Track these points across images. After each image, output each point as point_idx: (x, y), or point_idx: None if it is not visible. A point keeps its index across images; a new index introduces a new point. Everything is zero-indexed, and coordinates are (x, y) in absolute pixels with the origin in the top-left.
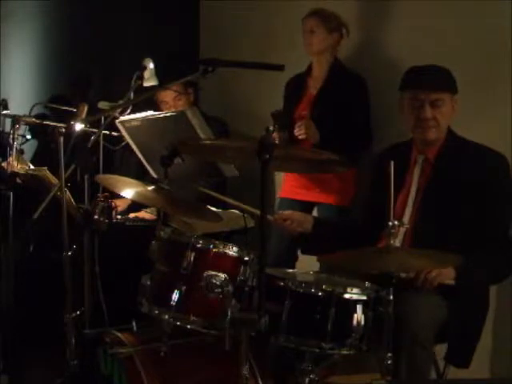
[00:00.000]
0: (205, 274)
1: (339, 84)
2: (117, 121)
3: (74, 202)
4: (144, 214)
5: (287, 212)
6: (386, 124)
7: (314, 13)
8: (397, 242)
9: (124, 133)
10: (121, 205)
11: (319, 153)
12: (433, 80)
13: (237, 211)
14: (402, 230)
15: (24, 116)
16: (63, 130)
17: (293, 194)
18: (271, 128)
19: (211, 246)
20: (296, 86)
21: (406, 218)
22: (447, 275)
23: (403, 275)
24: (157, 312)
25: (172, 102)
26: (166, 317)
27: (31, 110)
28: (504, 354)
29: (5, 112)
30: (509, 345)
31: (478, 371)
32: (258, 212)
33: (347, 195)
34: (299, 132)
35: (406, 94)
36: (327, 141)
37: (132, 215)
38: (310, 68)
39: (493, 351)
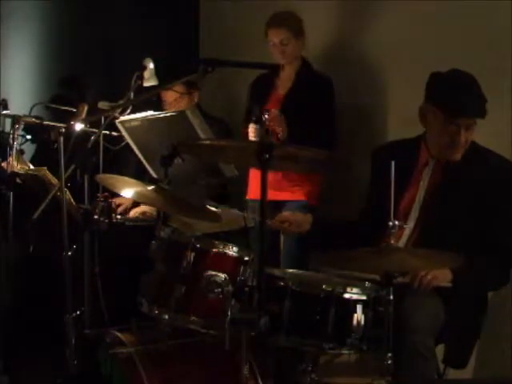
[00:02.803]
0: (205, 274)
1: (307, 84)
2: (117, 121)
3: (74, 202)
4: (144, 208)
5: (285, 214)
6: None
7: (281, 24)
8: (401, 243)
9: (124, 133)
10: (125, 202)
11: (320, 153)
12: (476, 107)
13: (237, 211)
14: (407, 231)
15: (24, 116)
16: (63, 130)
17: (259, 194)
18: (253, 125)
19: (211, 246)
20: (263, 86)
21: (412, 220)
22: (443, 278)
23: (399, 280)
24: (157, 312)
25: (174, 103)
26: (166, 317)
27: (31, 109)
28: (504, 354)
29: (5, 112)
30: (508, 344)
31: (477, 371)
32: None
33: (315, 193)
34: (268, 121)
35: (442, 114)
36: (296, 140)
37: (133, 211)
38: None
39: (492, 351)
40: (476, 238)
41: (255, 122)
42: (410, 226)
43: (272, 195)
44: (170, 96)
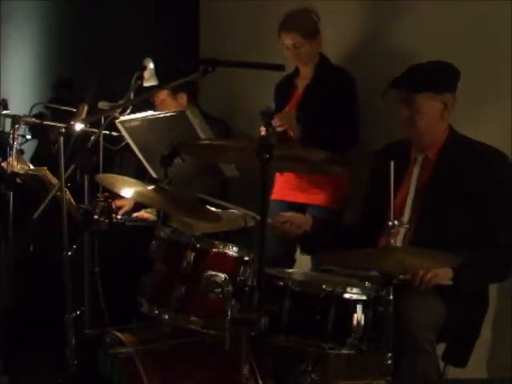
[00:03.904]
0: (205, 274)
1: (326, 81)
2: (117, 121)
3: (74, 202)
4: (144, 214)
5: (287, 214)
6: (381, 123)
7: (292, 27)
8: (398, 241)
9: (124, 133)
10: (126, 204)
11: (319, 152)
12: (404, 79)
13: (237, 211)
14: (403, 229)
15: (24, 116)
16: (63, 130)
17: (283, 195)
18: (263, 128)
19: (211, 246)
20: (285, 87)
21: (406, 217)
22: (444, 276)
23: (400, 277)
24: (157, 312)
25: (160, 105)
26: (166, 317)
27: (31, 109)
28: (504, 354)
29: (5, 112)
30: (509, 344)
31: (477, 371)
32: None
33: (339, 196)
34: (278, 123)
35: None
36: (313, 138)
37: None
38: (297, 68)
39: (493, 351)
40: (472, 233)
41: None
42: (407, 225)
43: (293, 197)
44: (156, 98)
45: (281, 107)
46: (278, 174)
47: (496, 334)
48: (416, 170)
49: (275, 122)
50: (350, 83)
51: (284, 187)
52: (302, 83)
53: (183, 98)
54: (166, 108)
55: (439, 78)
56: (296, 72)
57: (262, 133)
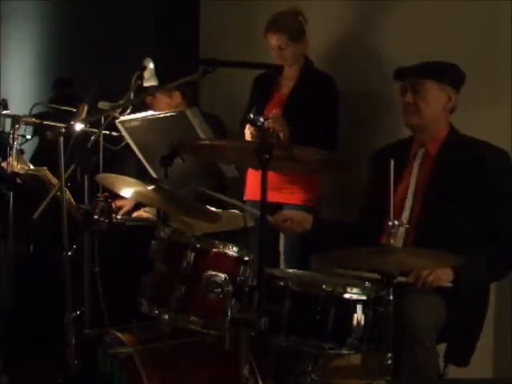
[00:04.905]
0: (205, 274)
1: (310, 85)
2: (117, 121)
3: (74, 202)
4: (143, 213)
5: (287, 212)
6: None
7: (278, 28)
8: (398, 238)
9: (124, 133)
10: (126, 204)
11: (319, 153)
12: (414, 66)
13: (237, 211)
14: (403, 228)
15: (24, 116)
16: (63, 130)
17: (257, 195)
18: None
19: (211, 246)
20: (266, 84)
21: (406, 212)
22: (445, 278)
23: (402, 279)
24: (157, 312)
25: (151, 102)
26: (166, 317)
27: (31, 109)
28: (504, 353)
29: (5, 112)
30: (509, 344)
31: (478, 371)
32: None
33: (313, 195)
34: (270, 125)
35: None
36: (299, 140)
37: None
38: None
39: (493, 350)
40: (473, 230)
41: (250, 123)
42: (407, 225)
43: (270, 196)
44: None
45: (259, 101)
46: (250, 175)
47: (496, 334)
48: (416, 165)
49: (267, 123)
50: (333, 88)
51: (257, 187)
52: (285, 84)
53: (178, 96)
54: (156, 106)
55: (448, 71)
56: (278, 71)
57: (247, 132)
